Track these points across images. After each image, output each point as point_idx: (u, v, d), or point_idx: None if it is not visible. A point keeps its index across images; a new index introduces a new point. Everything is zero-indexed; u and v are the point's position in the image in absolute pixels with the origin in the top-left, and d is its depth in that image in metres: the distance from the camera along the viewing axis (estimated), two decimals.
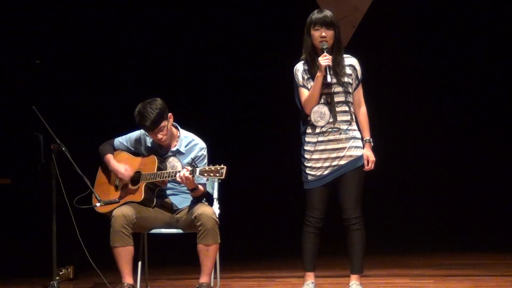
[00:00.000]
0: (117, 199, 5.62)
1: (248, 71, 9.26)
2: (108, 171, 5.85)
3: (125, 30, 9.04)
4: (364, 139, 5.47)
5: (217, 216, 5.58)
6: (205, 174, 5.41)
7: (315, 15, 5.39)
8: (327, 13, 5.40)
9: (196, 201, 5.71)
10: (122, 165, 5.72)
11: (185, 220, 5.62)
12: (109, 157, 5.77)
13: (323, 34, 5.35)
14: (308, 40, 5.41)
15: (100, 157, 5.82)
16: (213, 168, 5.39)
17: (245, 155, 9.07)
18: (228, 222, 5.96)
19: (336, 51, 5.40)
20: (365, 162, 5.44)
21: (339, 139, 5.39)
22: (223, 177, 5.39)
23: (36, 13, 8.45)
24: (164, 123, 5.57)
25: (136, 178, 5.69)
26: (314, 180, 5.40)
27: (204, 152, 5.73)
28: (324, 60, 5.29)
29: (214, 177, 5.44)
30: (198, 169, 5.43)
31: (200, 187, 5.65)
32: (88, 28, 8.84)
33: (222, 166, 5.38)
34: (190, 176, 5.44)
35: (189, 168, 5.45)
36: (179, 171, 5.50)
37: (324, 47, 5.34)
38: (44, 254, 5.97)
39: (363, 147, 5.46)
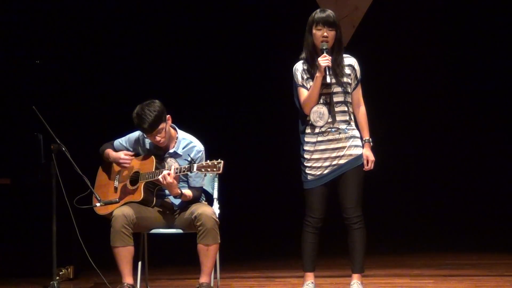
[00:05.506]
0: (117, 199, 5.62)
1: (247, 70, 9.26)
2: (108, 172, 5.86)
3: (125, 30, 9.04)
4: (364, 139, 5.47)
5: (217, 216, 5.58)
6: (203, 170, 5.41)
7: (318, 14, 5.38)
8: (330, 13, 5.38)
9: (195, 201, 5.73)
10: (120, 153, 5.74)
11: (185, 220, 5.62)
12: (109, 151, 5.79)
13: (325, 34, 5.33)
14: (309, 39, 5.39)
15: (101, 155, 5.83)
16: (210, 163, 5.40)
17: (245, 155, 9.07)
18: (228, 222, 5.96)
19: (337, 51, 5.39)
20: (365, 162, 5.44)
21: (338, 139, 5.39)
22: (220, 172, 5.40)
23: (36, 13, 8.44)
24: (162, 125, 5.56)
25: (135, 178, 5.70)
26: (314, 179, 5.40)
27: (202, 154, 5.71)
28: (324, 60, 5.28)
29: (211, 172, 5.44)
30: (195, 165, 5.44)
31: (188, 193, 5.65)
32: (88, 28, 8.84)
33: (219, 160, 5.39)
34: (173, 181, 5.45)
35: (176, 168, 5.47)
36: (167, 169, 5.51)
37: (324, 47, 5.33)
38: (44, 254, 5.97)
39: (363, 147, 5.46)
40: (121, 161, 5.72)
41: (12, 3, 8.28)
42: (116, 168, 5.81)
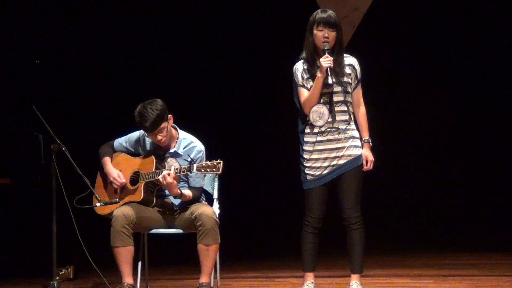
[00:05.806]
0: (117, 199, 5.63)
1: (248, 70, 9.26)
2: None
3: (125, 30, 9.04)
4: (363, 139, 5.47)
5: (217, 216, 5.59)
6: (202, 170, 5.42)
7: (319, 14, 5.36)
8: (331, 13, 5.37)
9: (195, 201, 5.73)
10: (115, 171, 5.72)
11: (185, 220, 5.63)
12: (106, 160, 5.78)
13: (326, 34, 5.33)
14: (310, 39, 5.38)
15: (99, 159, 5.82)
16: (209, 164, 5.40)
17: (245, 155, 9.07)
18: (228, 222, 5.96)
19: (337, 52, 5.38)
20: (364, 162, 5.43)
21: (338, 139, 5.38)
22: (220, 172, 5.40)
23: (36, 13, 8.44)
24: (164, 124, 5.57)
25: (135, 178, 5.70)
26: (313, 180, 5.40)
27: (202, 155, 5.72)
28: (326, 61, 5.27)
29: (211, 173, 5.45)
30: (195, 165, 5.45)
31: (187, 193, 5.65)
32: (88, 28, 8.84)
33: (219, 161, 5.39)
34: (173, 181, 5.46)
35: (176, 168, 5.47)
36: (167, 169, 5.50)
37: (326, 48, 5.32)
38: (44, 254, 5.97)
39: (362, 147, 5.46)
40: (111, 178, 5.71)
41: (12, 3, 8.28)
42: (116, 168, 5.81)
